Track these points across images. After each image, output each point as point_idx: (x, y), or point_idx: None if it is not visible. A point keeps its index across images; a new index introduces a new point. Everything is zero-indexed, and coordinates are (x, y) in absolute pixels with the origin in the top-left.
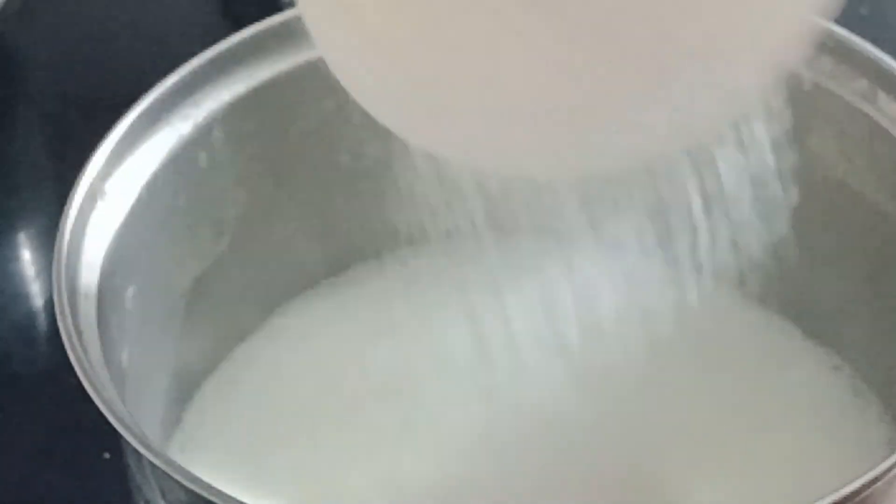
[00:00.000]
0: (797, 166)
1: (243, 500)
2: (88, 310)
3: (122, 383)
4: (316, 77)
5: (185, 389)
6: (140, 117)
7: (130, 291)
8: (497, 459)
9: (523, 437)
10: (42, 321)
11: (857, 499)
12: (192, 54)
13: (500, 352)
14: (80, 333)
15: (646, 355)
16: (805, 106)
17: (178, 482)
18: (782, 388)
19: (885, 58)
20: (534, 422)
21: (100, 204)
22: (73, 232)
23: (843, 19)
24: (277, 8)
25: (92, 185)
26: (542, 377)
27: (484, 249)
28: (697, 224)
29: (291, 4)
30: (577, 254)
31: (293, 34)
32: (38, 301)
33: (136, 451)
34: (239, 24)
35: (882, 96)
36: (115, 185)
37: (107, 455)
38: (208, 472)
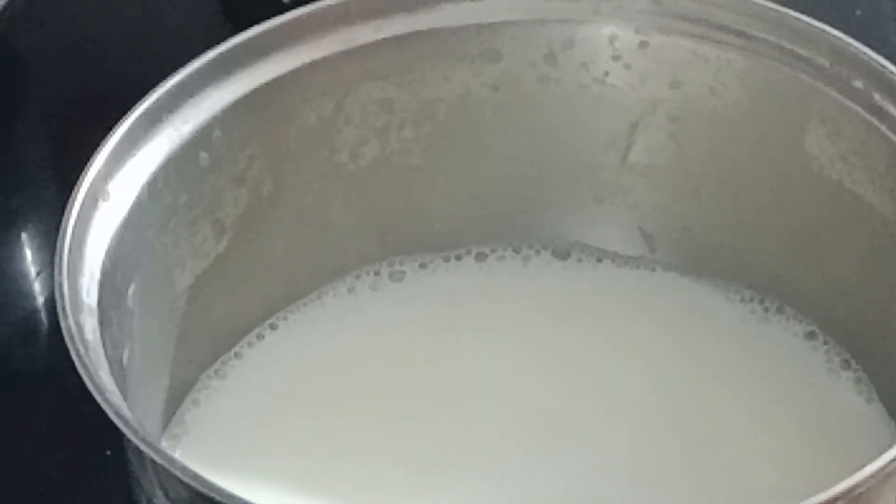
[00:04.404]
0: (793, 167)
1: (244, 496)
2: (90, 308)
3: (123, 381)
4: (316, 77)
5: (186, 387)
6: (141, 118)
7: (131, 290)
8: (494, 462)
9: (524, 439)
10: (44, 319)
11: (850, 497)
12: (194, 55)
13: (501, 359)
14: (81, 331)
15: (645, 359)
16: (800, 107)
17: (179, 479)
18: (784, 387)
19: (880, 59)
20: (535, 426)
21: (101, 204)
22: (74, 231)
23: (838, 21)
24: (278, 10)
25: (93, 185)
26: (545, 388)
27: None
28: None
29: (292, 6)
30: (573, 267)
31: (293, 35)
32: (39, 299)
33: (137, 449)
34: (240, 26)
35: (877, 97)
36: (117, 185)
37: (108, 452)
38: (209, 468)
